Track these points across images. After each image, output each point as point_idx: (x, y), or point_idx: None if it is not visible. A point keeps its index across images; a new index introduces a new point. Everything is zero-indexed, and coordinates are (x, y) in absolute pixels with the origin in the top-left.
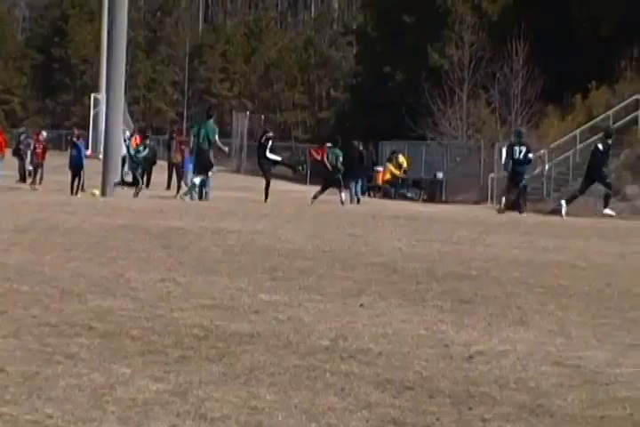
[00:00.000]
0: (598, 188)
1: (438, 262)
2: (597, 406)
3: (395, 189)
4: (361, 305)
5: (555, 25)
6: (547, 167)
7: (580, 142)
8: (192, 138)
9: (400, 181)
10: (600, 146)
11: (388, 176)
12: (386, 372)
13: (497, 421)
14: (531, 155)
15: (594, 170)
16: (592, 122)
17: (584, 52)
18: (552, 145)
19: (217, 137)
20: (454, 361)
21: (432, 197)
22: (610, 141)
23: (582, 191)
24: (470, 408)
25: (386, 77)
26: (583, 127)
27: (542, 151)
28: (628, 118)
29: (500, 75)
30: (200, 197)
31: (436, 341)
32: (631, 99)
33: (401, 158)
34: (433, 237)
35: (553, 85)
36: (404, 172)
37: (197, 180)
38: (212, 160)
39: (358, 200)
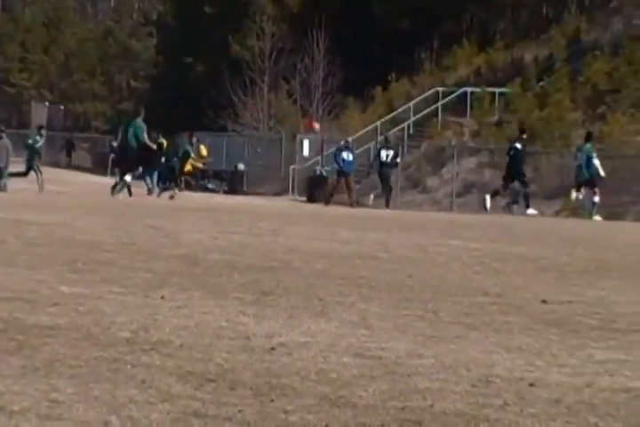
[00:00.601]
0: (516, 187)
1: (239, 254)
2: (398, 397)
3: (195, 181)
4: (162, 297)
5: (355, 17)
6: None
7: (381, 134)
8: (119, 135)
9: (201, 172)
10: (518, 145)
11: (188, 167)
12: (187, 364)
13: (299, 412)
14: (398, 159)
15: (514, 169)
16: (392, 114)
17: (384, 45)
18: (353, 137)
19: (145, 135)
20: (256, 353)
21: (233, 189)
22: (524, 136)
23: (505, 189)
24: (272, 400)
25: (187, 68)
26: (384, 119)
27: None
28: (428, 110)
29: (301, 66)
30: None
31: (238, 333)
32: (431, 91)
33: (202, 148)
34: (234, 228)
35: (354, 77)
36: (204, 163)
37: (128, 177)
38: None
39: (160, 191)
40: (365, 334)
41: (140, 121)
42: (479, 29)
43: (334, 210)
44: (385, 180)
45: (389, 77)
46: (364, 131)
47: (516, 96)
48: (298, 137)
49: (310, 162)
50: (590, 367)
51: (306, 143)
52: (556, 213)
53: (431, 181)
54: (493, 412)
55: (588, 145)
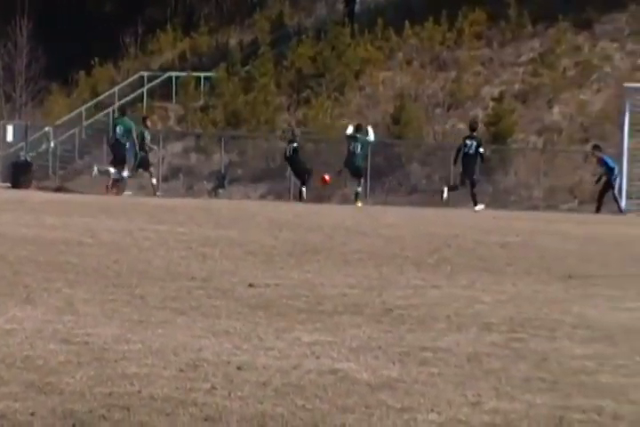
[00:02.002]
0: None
1: None
2: (106, 383)
3: None
4: None
5: (58, 2)
6: (52, 145)
7: (86, 119)
8: (111, 133)
9: None
10: (469, 142)
11: None
12: None
13: (5, 400)
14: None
15: (468, 166)
16: (97, 99)
17: (88, 30)
18: (57, 122)
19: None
20: None
21: None
22: (475, 134)
23: (462, 184)
24: None
25: None
26: (88, 104)
27: (47, 129)
28: (133, 95)
29: (3, 51)
30: None
31: None
32: (136, 75)
33: None
34: None
35: (57, 62)
36: None
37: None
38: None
39: None
40: (72, 320)
41: (127, 119)
42: (184, 14)
43: (38, 196)
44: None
45: (93, 62)
46: (69, 117)
47: (222, 81)
48: (1, 123)
49: (14, 148)
50: (297, 350)
51: (9, 129)
52: (262, 197)
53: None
54: (201, 396)
55: (359, 135)
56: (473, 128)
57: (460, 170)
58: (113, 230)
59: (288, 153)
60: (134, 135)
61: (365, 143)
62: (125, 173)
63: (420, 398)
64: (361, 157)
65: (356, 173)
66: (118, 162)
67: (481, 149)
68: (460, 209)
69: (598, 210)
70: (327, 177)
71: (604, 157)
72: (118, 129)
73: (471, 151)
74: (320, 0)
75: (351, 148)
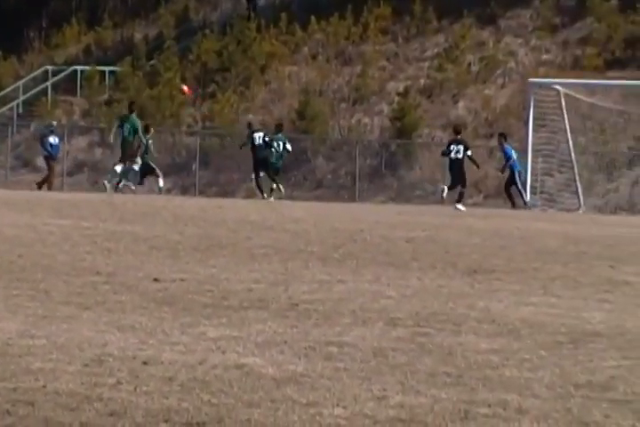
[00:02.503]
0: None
1: None
2: (10, 378)
3: None
4: None
5: None
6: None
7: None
8: (114, 130)
9: None
10: (454, 146)
11: None
12: None
13: None
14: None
15: (456, 169)
16: (1, 93)
17: None
18: None
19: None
20: None
21: None
22: (460, 137)
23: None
24: None
25: None
26: None
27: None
28: (37, 89)
29: None
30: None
31: None
32: (41, 69)
33: None
34: None
35: None
36: None
37: (119, 168)
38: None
39: None
40: None
41: (134, 117)
42: (88, 8)
43: None
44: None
45: None
46: None
47: (127, 75)
48: None
49: None
50: (203, 345)
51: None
52: (168, 191)
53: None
54: (107, 391)
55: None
56: (457, 131)
57: (449, 174)
58: (16, 225)
59: (257, 142)
60: (141, 133)
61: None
62: (135, 166)
63: (325, 392)
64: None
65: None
66: (128, 157)
67: (469, 152)
68: (365, 204)
69: (514, 205)
70: (186, 88)
71: (505, 146)
72: (125, 127)
73: (459, 155)
74: None
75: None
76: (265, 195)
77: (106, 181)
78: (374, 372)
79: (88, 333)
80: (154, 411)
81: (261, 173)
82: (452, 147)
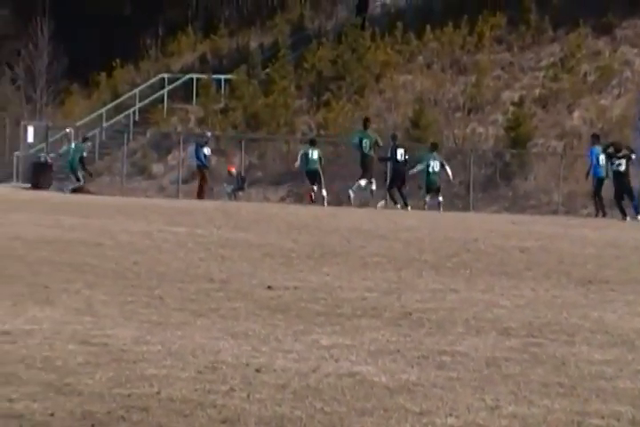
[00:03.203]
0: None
1: None
2: (124, 384)
3: None
4: None
5: (79, 3)
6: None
7: (107, 120)
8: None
9: None
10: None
11: None
12: None
13: (24, 400)
14: (406, 156)
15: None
16: (118, 100)
17: (109, 31)
18: (78, 123)
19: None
20: None
21: None
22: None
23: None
24: None
25: None
26: (109, 106)
27: (68, 130)
28: (153, 97)
29: (24, 52)
30: None
31: None
32: (157, 77)
33: None
34: None
35: (78, 63)
36: None
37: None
38: None
39: None
40: (91, 321)
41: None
42: (204, 16)
43: (56, 197)
44: (401, 178)
45: (113, 63)
46: (89, 118)
47: (242, 83)
48: (22, 123)
49: (35, 149)
50: (316, 352)
51: (30, 130)
52: (282, 199)
53: (157, 168)
54: (220, 398)
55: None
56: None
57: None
58: (132, 232)
59: (400, 158)
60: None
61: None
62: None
63: (438, 401)
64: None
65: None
66: (370, 173)
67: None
68: (479, 213)
69: (599, 214)
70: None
71: (592, 148)
72: (364, 143)
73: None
74: (340, 3)
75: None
76: (400, 205)
77: (351, 191)
78: (487, 382)
79: (202, 339)
80: (266, 418)
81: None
82: (613, 160)
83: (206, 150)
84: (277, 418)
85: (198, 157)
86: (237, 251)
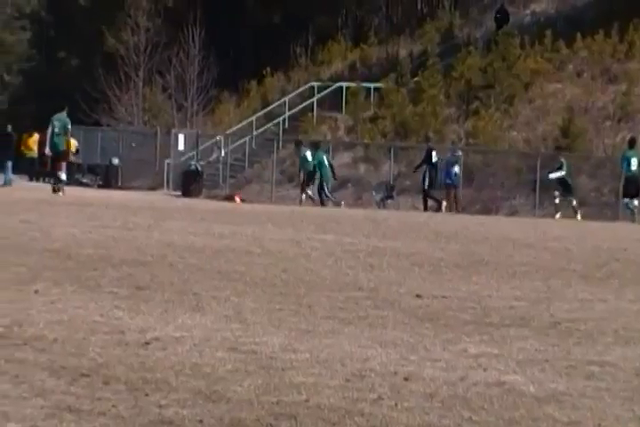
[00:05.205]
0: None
1: (114, 248)
2: (273, 392)
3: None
4: (36, 292)
5: (229, 12)
6: (223, 153)
7: (256, 129)
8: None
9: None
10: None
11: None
12: (61, 359)
13: (173, 407)
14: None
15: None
16: (267, 108)
17: (259, 39)
18: (228, 131)
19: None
20: (130, 347)
21: (108, 183)
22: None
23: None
24: (146, 395)
25: (61, 62)
26: (259, 114)
27: (218, 137)
28: (303, 105)
29: (175, 61)
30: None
31: (112, 327)
32: (306, 86)
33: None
34: (108, 223)
35: (229, 72)
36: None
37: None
38: None
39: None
40: (240, 328)
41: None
42: (354, 25)
43: (207, 204)
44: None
45: (264, 72)
46: (240, 126)
47: (391, 91)
48: (173, 131)
49: (185, 156)
50: (464, 362)
51: (181, 138)
52: (430, 208)
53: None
54: (368, 406)
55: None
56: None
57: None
58: (280, 240)
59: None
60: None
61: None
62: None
63: (586, 412)
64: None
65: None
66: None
67: None
68: (627, 223)
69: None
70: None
71: (626, 153)
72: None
73: None
74: (490, 11)
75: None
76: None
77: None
78: (636, 392)
79: (350, 348)
80: None
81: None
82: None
83: (457, 169)
84: None
85: (449, 176)
86: (386, 259)
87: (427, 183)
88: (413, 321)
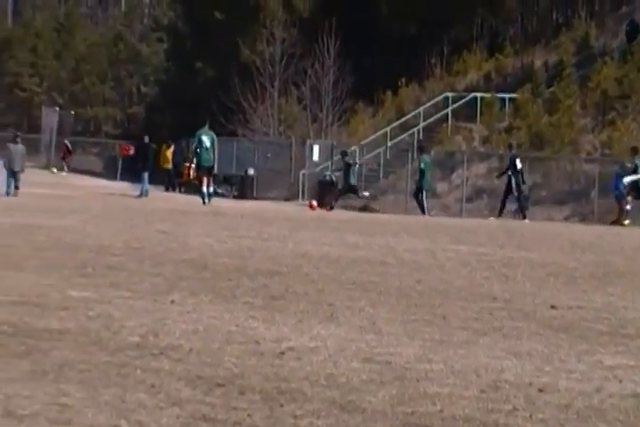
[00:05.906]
0: None
1: (249, 259)
2: (407, 402)
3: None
4: (172, 302)
5: (364, 22)
6: (357, 164)
7: (391, 139)
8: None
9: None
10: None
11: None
12: (196, 368)
13: (308, 417)
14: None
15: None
16: (402, 119)
17: (394, 50)
18: (363, 142)
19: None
20: (265, 358)
21: (243, 194)
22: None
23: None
24: (281, 405)
25: (196, 73)
26: (393, 124)
27: (353, 148)
28: (437, 115)
29: (311, 71)
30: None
31: (247, 337)
32: (441, 96)
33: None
34: (243, 233)
35: (363, 82)
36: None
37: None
38: None
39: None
40: (374, 338)
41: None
42: (489, 35)
43: (341, 215)
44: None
45: (399, 82)
46: (374, 136)
47: (526, 102)
48: (308, 142)
49: (320, 167)
50: (599, 373)
51: (316, 148)
52: (566, 219)
53: (441, 187)
54: (503, 417)
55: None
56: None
57: None
58: (415, 250)
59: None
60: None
61: None
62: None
63: None
64: None
65: None
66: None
67: None
68: None
69: None
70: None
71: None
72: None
73: None
74: (626, 20)
75: None
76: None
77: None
78: None
79: (484, 358)
80: None
81: None
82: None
83: (626, 179)
84: None
85: (617, 188)
86: (520, 270)
87: (515, 190)
88: (548, 332)
